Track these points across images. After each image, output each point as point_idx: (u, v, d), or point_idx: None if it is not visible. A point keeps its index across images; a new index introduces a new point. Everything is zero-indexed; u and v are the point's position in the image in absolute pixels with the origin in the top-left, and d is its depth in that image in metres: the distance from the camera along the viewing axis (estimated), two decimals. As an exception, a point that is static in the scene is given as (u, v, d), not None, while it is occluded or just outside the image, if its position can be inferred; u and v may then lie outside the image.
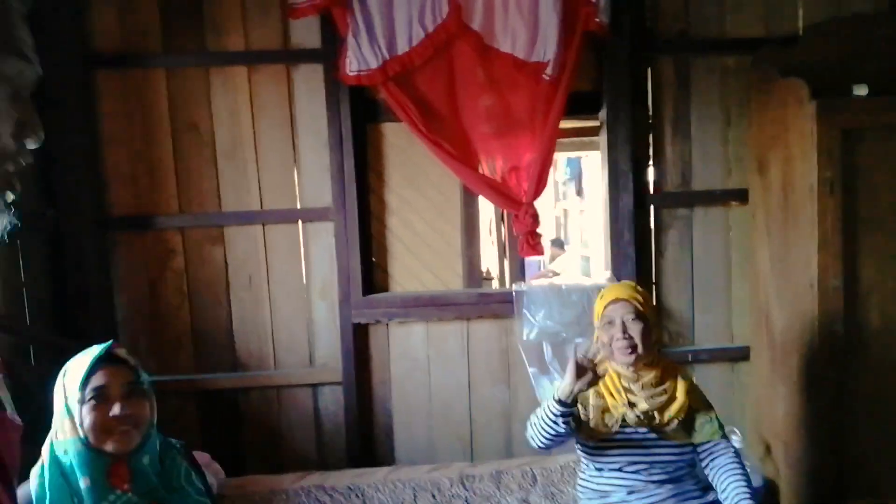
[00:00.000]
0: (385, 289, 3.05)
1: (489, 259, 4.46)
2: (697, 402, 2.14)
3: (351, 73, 2.74)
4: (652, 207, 2.98)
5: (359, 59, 2.73)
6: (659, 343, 2.17)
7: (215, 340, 2.91)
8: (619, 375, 2.10)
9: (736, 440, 2.66)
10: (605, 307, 2.11)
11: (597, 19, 2.72)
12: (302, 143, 2.89)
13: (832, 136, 2.42)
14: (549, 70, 2.74)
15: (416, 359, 2.99)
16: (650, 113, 2.95)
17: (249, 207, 2.89)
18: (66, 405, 1.53)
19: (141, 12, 2.79)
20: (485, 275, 3.75)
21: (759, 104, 2.80)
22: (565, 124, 2.98)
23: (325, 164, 2.87)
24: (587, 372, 1.95)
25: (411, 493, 2.65)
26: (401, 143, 2.98)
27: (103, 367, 1.56)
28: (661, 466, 2.11)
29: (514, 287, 2.96)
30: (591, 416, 2.09)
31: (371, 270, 3.01)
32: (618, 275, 2.93)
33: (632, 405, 2.06)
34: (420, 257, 3.04)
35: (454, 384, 3.00)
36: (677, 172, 2.97)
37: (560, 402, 1.97)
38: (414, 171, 3.01)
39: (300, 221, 2.93)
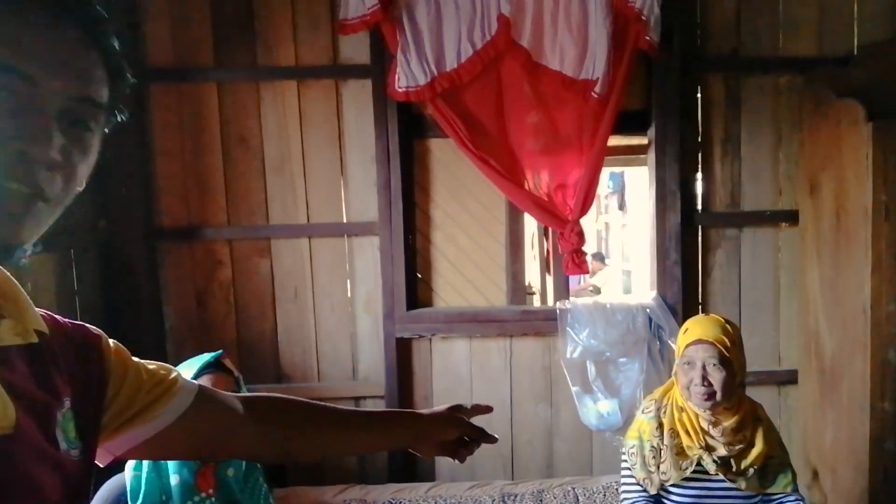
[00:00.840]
0: (428, 304, 3.06)
1: (532, 273, 4.44)
2: (775, 448, 2.00)
3: (400, 90, 2.75)
4: (700, 227, 2.94)
5: (407, 76, 2.74)
6: (743, 385, 1.97)
7: (260, 351, 2.94)
8: (696, 415, 1.95)
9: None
10: (687, 346, 1.93)
11: (647, 37, 2.70)
12: (349, 157, 2.91)
13: (888, 159, 2.37)
14: (597, 88, 2.73)
15: (458, 374, 2.99)
16: (700, 131, 2.92)
17: (296, 221, 2.92)
18: None
19: (194, 27, 2.84)
20: (527, 289, 3.73)
21: (812, 124, 2.76)
22: (613, 142, 2.96)
23: (372, 179, 2.89)
24: None
25: (452, 510, 2.65)
26: (446, 159, 2.98)
27: (209, 373, 1.65)
28: None
29: (558, 304, 2.95)
30: (663, 457, 1.96)
31: (415, 285, 3.01)
32: (663, 294, 2.90)
33: (709, 449, 1.92)
34: (464, 272, 3.04)
35: (496, 401, 2.98)
36: (726, 192, 2.93)
37: None
38: (459, 186, 3.01)
39: (346, 235, 2.95)
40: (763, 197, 2.94)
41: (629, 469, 2.05)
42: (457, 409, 1.16)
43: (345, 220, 2.94)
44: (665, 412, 2.01)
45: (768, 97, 2.91)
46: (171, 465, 1.58)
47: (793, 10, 2.87)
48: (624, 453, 2.08)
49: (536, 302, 4.41)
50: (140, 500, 1.56)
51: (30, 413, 0.73)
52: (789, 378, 2.96)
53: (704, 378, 1.87)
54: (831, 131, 2.63)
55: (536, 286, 4.66)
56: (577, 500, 2.70)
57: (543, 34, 2.77)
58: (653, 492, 1.99)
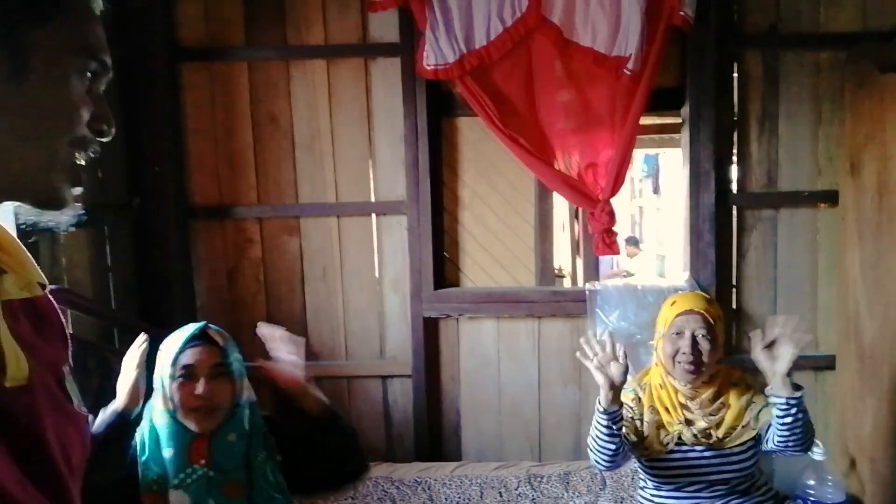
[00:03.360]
0: (456, 284, 3.05)
1: (562, 255, 4.39)
2: (754, 395, 1.99)
3: (428, 67, 2.73)
4: (735, 208, 2.87)
5: (436, 53, 2.72)
6: (722, 357, 2.03)
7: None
8: (675, 391, 2.00)
9: (818, 452, 2.54)
10: (677, 316, 1.97)
11: (681, 13, 2.64)
12: (378, 136, 2.91)
13: (935, 136, 2.28)
14: (630, 65, 2.67)
15: (485, 355, 2.98)
16: (735, 110, 2.84)
17: (325, 199, 2.93)
18: (161, 378, 1.61)
19: (225, 7, 2.86)
20: (557, 272, 3.69)
21: (855, 101, 2.66)
22: (646, 120, 2.91)
23: (400, 158, 2.88)
24: (614, 366, 1.87)
25: (478, 489, 2.64)
26: (475, 138, 2.96)
27: (194, 346, 1.62)
28: (723, 483, 2.00)
29: (588, 286, 2.91)
30: (645, 431, 2.00)
31: (442, 265, 3.00)
32: (696, 276, 2.84)
33: (689, 423, 1.97)
34: (492, 253, 3.02)
35: (524, 382, 2.97)
36: (763, 172, 2.85)
37: (604, 411, 1.88)
38: (488, 165, 2.99)
39: (374, 214, 2.95)
40: (801, 177, 2.85)
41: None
42: None
43: (373, 200, 2.94)
44: (644, 391, 2.05)
45: (808, 74, 2.81)
46: (164, 438, 1.58)
47: (835, -17, 2.77)
48: None
49: (566, 284, 4.37)
50: (146, 457, 1.59)
51: (42, 365, 0.73)
52: (827, 364, 2.87)
53: (694, 347, 1.92)
54: (874, 108, 2.53)
55: (567, 269, 4.62)
56: (605, 483, 2.67)
57: (575, 10, 2.72)
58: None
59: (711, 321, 1.94)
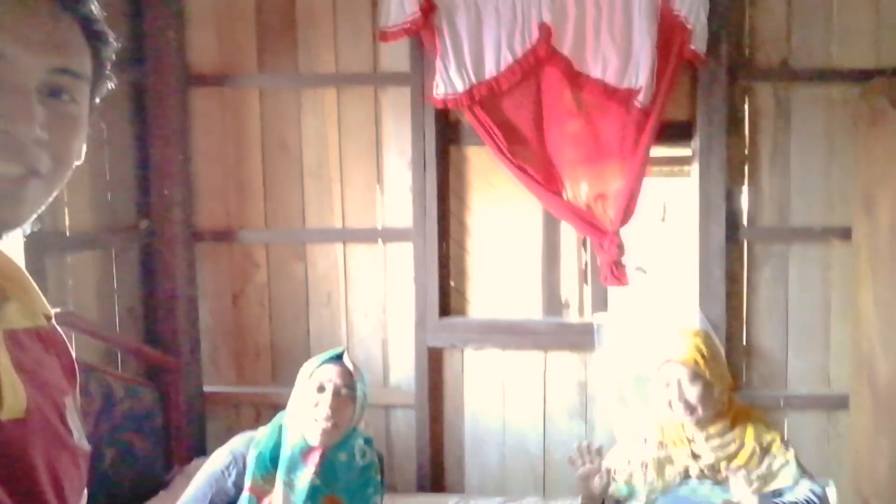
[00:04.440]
0: (462, 313, 3.02)
1: (570, 285, 4.35)
2: (772, 445, 1.95)
3: (438, 97, 2.74)
4: (745, 242, 2.83)
5: (446, 83, 2.73)
6: (729, 391, 2.00)
7: (293, 355, 2.93)
8: (682, 425, 1.97)
9: (831, 493, 2.48)
10: (661, 367, 1.98)
11: (692, 46, 2.63)
12: (386, 163, 2.92)
13: (950, 174, 2.24)
14: (640, 97, 2.67)
15: (490, 387, 2.94)
16: (746, 143, 2.82)
17: (332, 225, 2.94)
18: (296, 388, 1.78)
19: (238, 34, 2.90)
20: (564, 302, 3.63)
21: (868, 137, 2.64)
22: (656, 152, 2.89)
23: (408, 185, 2.88)
24: (597, 479, 1.87)
25: (480, 524, 2.58)
26: (483, 166, 2.96)
27: (329, 365, 1.77)
28: None
29: (595, 318, 2.88)
30: (651, 469, 1.97)
31: (448, 293, 2.98)
32: (706, 311, 2.79)
33: (695, 457, 1.94)
34: (498, 282, 2.99)
35: (529, 415, 2.92)
36: (774, 206, 2.82)
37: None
38: (495, 194, 2.97)
39: (380, 241, 2.94)
40: (813, 212, 2.81)
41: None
42: None
43: (379, 227, 2.93)
44: (652, 429, 2.04)
45: (820, 109, 2.79)
46: (288, 436, 1.73)
47: (847, 19, 2.76)
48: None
49: (573, 314, 4.31)
50: (259, 448, 1.73)
51: (43, 397, 0.71)
52: (840, 403, 2.80)
53: (681, 394, 1.91)
54: (889, 145, 2.51)
55: (574, 299, 4.55)
56: (610, 521, 2.60)
57: (586, 42, 2.72)
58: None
59: (695, 367, 1.91)
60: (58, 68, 0.67)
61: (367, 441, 1.82)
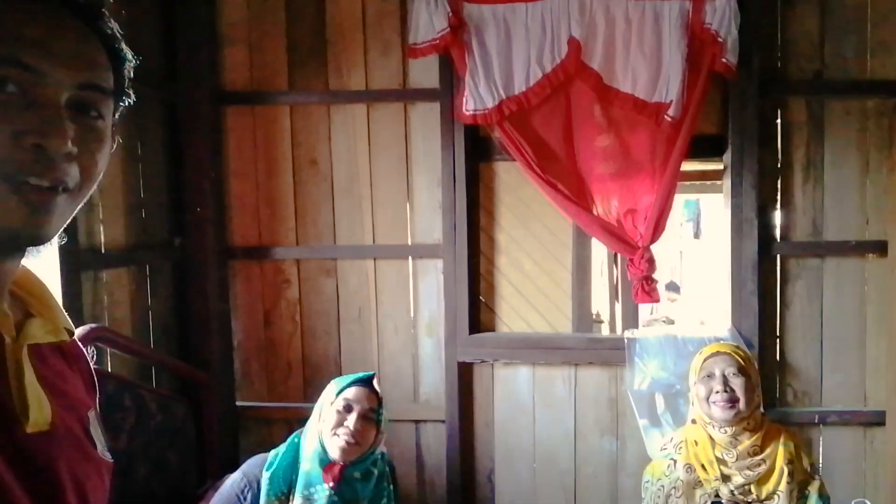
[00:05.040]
0: (491, 328, 3.01)
1: (600, 301, 4.33)
2: (799, 470, 1.94)
3: (467, 112, 2.75)
4: (778, 257, 2.80)
5: (475, 99, 2.73)
6: (760, 406, 2.00)
7: (324, 370, 2.96)
8: (712, 443, 1.94)
9: (868, 514, 2.44)
10: (705, 360, 2.00)
11: (723, 59, 2.61)
12: (415, 180, 2.92)
13: None
14: (671, 111, 2.65)
15: (520, 402, 2.93)
16: (779, 157, 2.79)
17: (362, 242, 2.95)
18: (321, 403, 1.83)
19: (269, 53, 2.92)
20: (595, 317, 3.63)
21: (904, 150, 2.60)
22: (686, 166, 2.87)
23: (438, 202, 2.89)
24: None
25: (511, 541, 2.58)
26: (512, 182, 2.95)
27: (360, 387, 1.81)
28: None
29: (627, 334, 2.86)
30: (679, 495, 1.95)
31: (478, 309, 2.98)
32: (738, 326, 2.77)
33: (725, 479, 1.91)
34: (528, 298, 2.99)
35: (559, 431, 2.91)
36: (808, 220, 2.79)
37: None
38: (525, 210, 2.97)
39: (410, 257, 2.95)
40: (848, 226, 2.77)
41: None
42: None
43: (409, 243, 2.94)
44: (680, 449, 2.02)
45: (854, 121, 2.76)
46: (308, 451, 1.76)
47: (881, 31, 2.72)
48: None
49: (604, 331, 4.29)
50: (272, 469, 1.76)
51: (66, 410, 0.73)
52: (877, 420, 2.76)
53: (726, 385, 1.92)
54: (925, 157, 2.46)
55: (605, 315, 4.55)
56: (643, 538, 2.58)
57: (615, 57, 2.71)
58: None
59: (740, 360, 1.96)
60: (86, 84, 0.69)
61: (383, 455, 1.87)
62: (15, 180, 0.64)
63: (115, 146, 0.76)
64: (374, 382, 1.85)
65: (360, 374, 1.86)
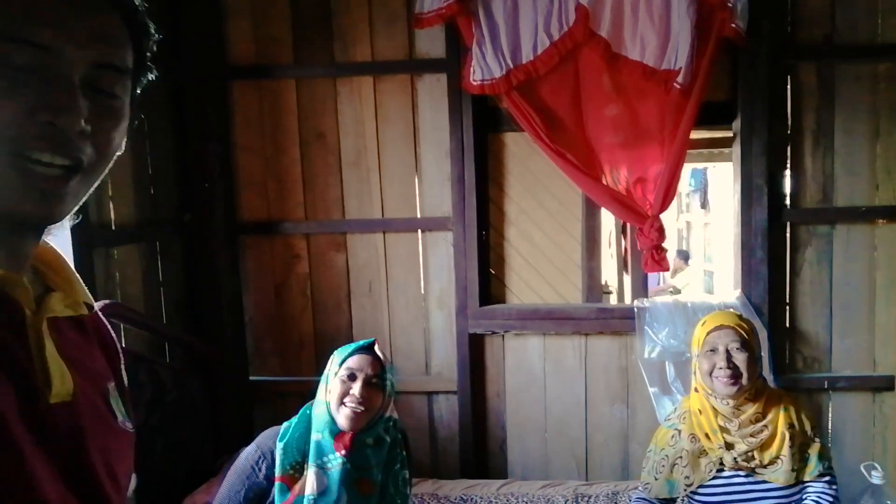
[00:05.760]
0: (502, 300, 3.03)
1: (609, 272, 4.34)
2: (800, 433, 1.96)
3: (475, 83, 2.72)
4: (788, 224, 2.80)
5: (483, 69, 2.71)
6: (761, 375, 2.02)
7: (336, 344, 2.89)
8: (715, 413, 1.96)
9: (877, 476, 2.46)
10: (708, 333, 1.98)
11: (733, 25, 2.58)
12: (424, 152, 2.91)
13: None
14: (680, 78, 2.62)
15: (531, 372, 2.95)
16: (789, 123, 2.78)
17: (371, 216, 2.95)
18: (326, 374, 1.84)
19: (273, 25, 2.89)
20: (603, 287, 3.64)
21: (915, 114, 2.58)
22: (695, 135, 2.86)
23: (446, 174, 2.88)
24: None
25: (525, 508, 2.61)
26: (521, 153, 2.94)
27: (361, 355, 1.82)
28: None
29: (636, 303, 2.87)
30: (684, 463, 1.97)
31: (488, 281, 2.99)
32: (748, 293, 2.78)
33: (729, 447, 1.93)
34: (538, 269, 3.00)
35: (570, 400, 2.94)
36: (818, 187, 2.78)
37: None
38: (534, 181, 2.96)
39: (419, 230, 2.95)
40: (858, 192, 2.77)
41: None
42: None
43: (419, 216, 2.94)
44: (684, 419, 2.03)
45: (865, 86, 2.73)
46: (317, 423, 1.78)
47: (893, -7, 2.69)
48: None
49: (613, 301, 4.31)
50: (286, 440, 1.78)
51: (87, 382, 0.74)
52: (885, 384, 2.78)
53: (729, 360, 1.91)
54: (936, 121, 2.45)
55: (613, 285, 4.56)
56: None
57: (623, 24, 2.68)
58: (651, 496, 2.05)
59: (744, 334, 1.95)
60: (101, 63, 0.68)
61: (392, 421, 1.88)
62: (28, 158, 0.64)
63: (135, 123, 0.75)
64: (376, 348, 1.85)
65: (361, 342, 1.87)
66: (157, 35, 0.75)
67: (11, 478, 0.61)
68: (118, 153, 0.73)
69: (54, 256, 0.78)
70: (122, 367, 0.85)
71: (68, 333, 0.75)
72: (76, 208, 0.70)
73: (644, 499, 2.07)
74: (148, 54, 0.75)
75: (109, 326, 0.86)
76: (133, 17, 0.72)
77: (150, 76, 0.77)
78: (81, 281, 0.79)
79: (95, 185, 0.72)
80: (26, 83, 0.63)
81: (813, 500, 1.93)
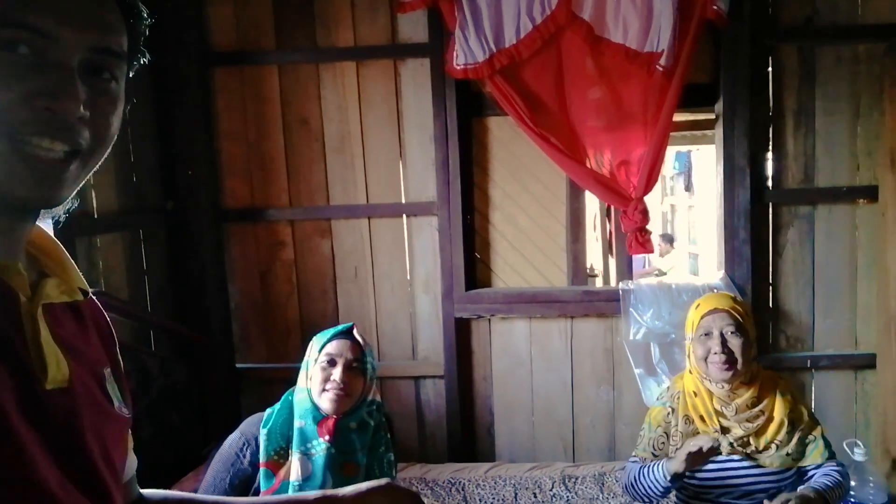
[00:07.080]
0: (487, 284, 3.04)
1: (594, 255, 4.36)
2: (801, 419, 1.93)
3: (458, 67, 2.72)
4: (770, 205, 2.82)
5: (465, 53, 2.71)
6: (756, 358, 1.97)
7: (322, 330, 2.96)
8: (711, 396, 1.93)
9: (860, 453, 2.49)
10: (702, 317, 1.93)
11: (714, 6, 2.60)
12: (407, 137, 2.91)
13: (980, 130, 2.22)
14: (662, 61, 2.64)
15: (518, 355, 2.96)
16: (770, 105, 2.79)
17: (356, 201, 2.94)
18: (307, 361, 1.83)
19: (255, 11, 2.88)
20: (589, 271, 3.65)
21: (894, 94, 2.60)
22: (678, 117, 2.87)
23: (430, 159, 2.88)
24: (704, 460, 1.81)
25: (512, 490, 2.63)
26: (506, 137, 2.95)
27: (339, 339, 1.82)
28: (761, 492, 1.90)
29: (621, 285, 2.89)
30: (678, 444, 1.92)
31: (474, 265, 3.00)
32: (731, 274, 2.80)
33: (724, 431, 1.89)
34: (523, 253, 3.00)
35: (557, 383, 2.96)
36: (799, 168, 2.80)
37: (673, 477, 1.82)
38: (519, 165, 2.97)
39: (404, 215, 2.95)
40: (839, 172, 2.79)
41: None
42: (378, 491, 0.96)
43: (403, 201, 2.94)
44: (678, 399, 1.99)
45: (845, 67, 2.76)
46: (299, 410, 1.76)
47: (873, -26, 2.71)
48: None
49: (599, 284, 4.33)
50: (269, 426, 1.77)
51: (82, 367, 0.74)
52: (867, 363, 2.82)
53: (724, 345, 1.87)
54: (916, 101, 2.47)
55: (599, 268, 4.58)
56: (640, 483, 2.64)
57: (605, 6, 2.69)
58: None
59: (739, 317, 1.90)
60: (98, 48, 0.68)
61: (376, 405, 1.88)
62: (27, 143, 0.64)
63: (128, 106, 0.75)
64: (355, 332, 1.84)
65: (340, 327, 1.86)
66: (149, 19, 0.75)
67: (9, 464, 0.61)
68: (114, 138, 0.73)
69: (49, 241, 0.78)
70: (118, 352, 0.85)
71: (64, 319, 0.75)
72: (74, 193, 0.71)
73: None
74: (140, 38, 0.75)
75: (105, 312, 0.86)
76: (127, 0, 0.72)
77: (143, 60, 0.77)
78: (76, 266, 0.79)
79: (94, 169, 0.72)
80: (25, 69, 0.63)
81: (823, 473, 1.88)
